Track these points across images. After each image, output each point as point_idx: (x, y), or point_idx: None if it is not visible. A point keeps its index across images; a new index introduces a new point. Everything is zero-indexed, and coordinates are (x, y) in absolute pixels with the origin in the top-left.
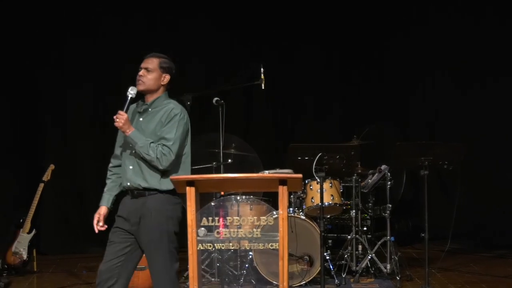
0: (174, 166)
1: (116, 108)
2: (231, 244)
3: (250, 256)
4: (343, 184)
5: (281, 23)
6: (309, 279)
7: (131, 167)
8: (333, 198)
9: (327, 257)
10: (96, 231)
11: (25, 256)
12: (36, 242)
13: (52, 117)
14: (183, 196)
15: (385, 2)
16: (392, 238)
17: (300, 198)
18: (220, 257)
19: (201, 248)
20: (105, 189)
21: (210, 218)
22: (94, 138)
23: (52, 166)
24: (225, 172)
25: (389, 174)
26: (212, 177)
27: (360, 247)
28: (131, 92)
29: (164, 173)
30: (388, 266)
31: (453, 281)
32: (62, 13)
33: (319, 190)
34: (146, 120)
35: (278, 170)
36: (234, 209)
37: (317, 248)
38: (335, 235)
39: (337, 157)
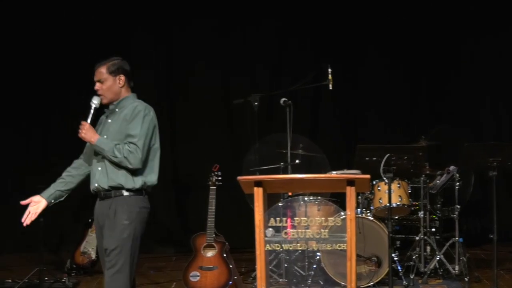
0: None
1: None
2: (298, 244)
3: (318, 257)
4: (411, 185)
5: (348, 26)
6: (377, 280)
7: (99, 168)
8: (401, 199)
9: (395, 258)
10: (24, 223)
11: (93, 256)
12: None
13: None
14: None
15: (456, 9)
16: (461, 239)
17: (368, 199)
18: (287, 257)
19: (269, 248)
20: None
21: (278, 219)
22: None
23: None
24: (292, 172)
25: (457, 175)
26: (280, 177)
27: (428, 248)
28: (94, 102)
29: (130, 171)
30: (457, 268)
31: None
32: (130, 10)
33: (387, 191)
34: (113, 120)
35: (345, 171)
36: (301, 210)
37: (385, 249)
38: (403, 236)
39: (405, 158)
